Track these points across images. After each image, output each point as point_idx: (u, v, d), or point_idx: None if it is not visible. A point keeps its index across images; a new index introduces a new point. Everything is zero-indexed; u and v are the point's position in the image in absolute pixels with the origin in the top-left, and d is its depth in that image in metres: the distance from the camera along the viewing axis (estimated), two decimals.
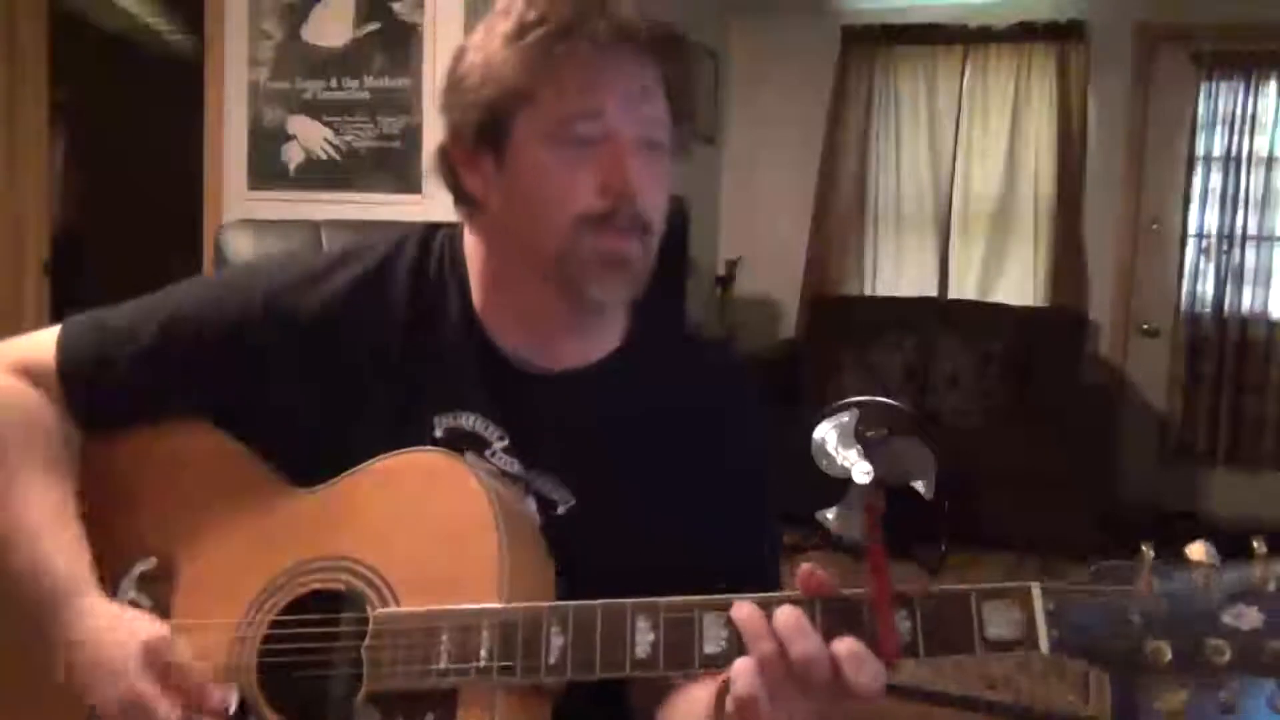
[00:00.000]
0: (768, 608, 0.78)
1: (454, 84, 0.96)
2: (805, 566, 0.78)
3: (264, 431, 0.98)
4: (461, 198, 0.99)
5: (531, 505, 0.97)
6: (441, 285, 1.01)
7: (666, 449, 0.99)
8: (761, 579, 0.98)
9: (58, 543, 0.92)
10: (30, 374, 1.01)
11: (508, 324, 0.99)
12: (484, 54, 0.94)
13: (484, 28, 0.96)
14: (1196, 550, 0.74)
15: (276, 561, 0.91)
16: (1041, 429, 4.24)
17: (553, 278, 0.94)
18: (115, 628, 0.88)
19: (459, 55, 0.97)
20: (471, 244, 1.02)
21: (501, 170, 0.94)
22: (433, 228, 1.06)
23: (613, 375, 1.01)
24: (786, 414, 1.10)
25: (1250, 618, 0.71)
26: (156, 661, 0.85)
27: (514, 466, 0.97)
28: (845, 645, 0.75)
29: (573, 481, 0.97)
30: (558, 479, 0.97)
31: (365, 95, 3.25)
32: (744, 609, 0.78)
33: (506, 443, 0.97)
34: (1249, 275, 4.70)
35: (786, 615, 0.76)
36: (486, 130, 0.93)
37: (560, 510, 0.97)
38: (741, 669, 0.76)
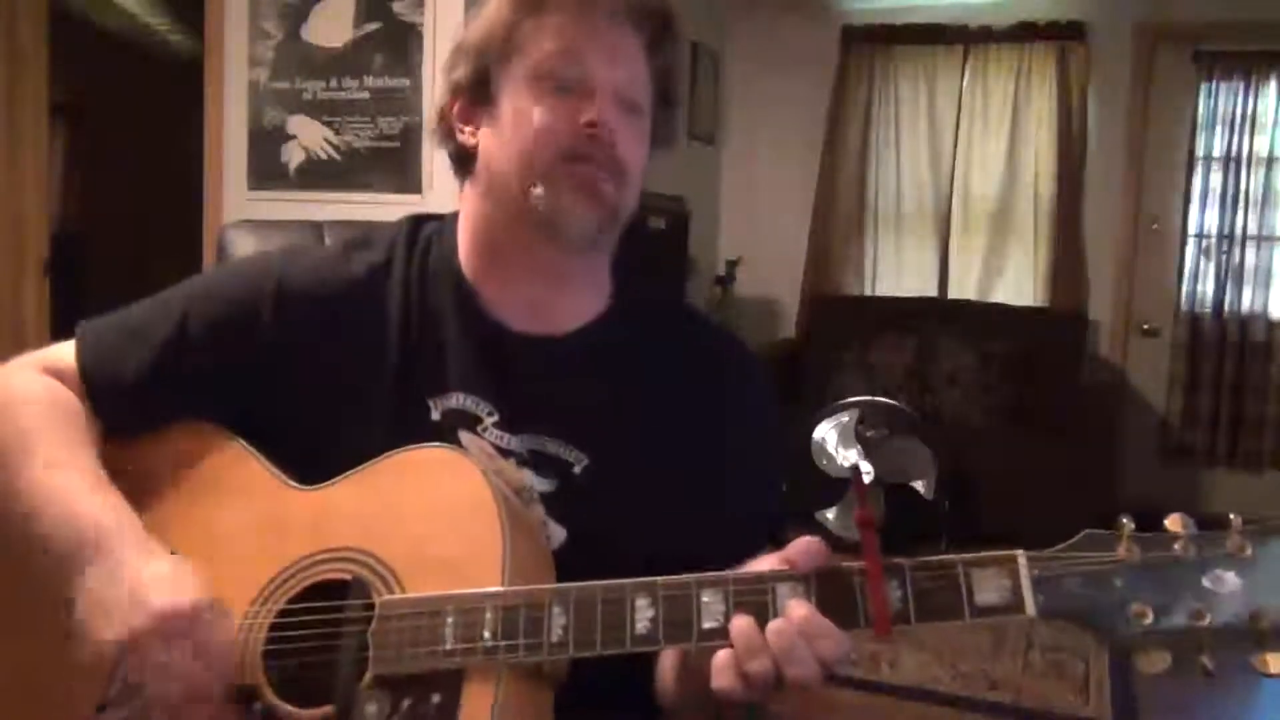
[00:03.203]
0: (763, 582, 0.80)
1: (456, 46, 1.03)
2: (801, 542, 0.81)
3: (273, 426, 1.00)
4: (457, 156, 1.05)
5: (529, 477, 0.99)
6: (432, 269, 1.05)
7: (669, 397, 1.03)
8: (767, 521, 1.04)
9: (95, 497, 0.92)
10: (57, 378, 1.03)
11: (500, 290, 1.03)
12: (482, 15, 1.01)
13: None
14: (1174, 522, 0.78)
15: (283, 555, 0.93)
16: (1041, 429, 4.24)
17: (532, 216, 0.97)
18: (148, 583, 0.86)
19: (465, 24, 1.04)
20: (465, 212, 1.06)
21: (491, 120, 1.00)
22: (419, 219, 1.10)
23: (608, 332, 1.05)
24: (787, 414, 1.11)
25: (1229, 582, 0.75)
26: (183, 629, 0.84)
27: (505, 440, 0.99)
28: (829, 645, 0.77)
29: (583, 441, 1.00)
30: (567, 441, 1.00)
31: (365, 95, 3.25)
32: (741, 623, 0.79)
33: (497, 418, 1.00)
34: (1249, 275, 4.70)
35: (782, 635, 0.78)
36: (479, 82, 1.00)
37: (576, 470, 0.99)
38: (722, 665, 0.79)
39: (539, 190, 0.96)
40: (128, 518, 0.91)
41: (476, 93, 1.01)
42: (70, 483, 0.93)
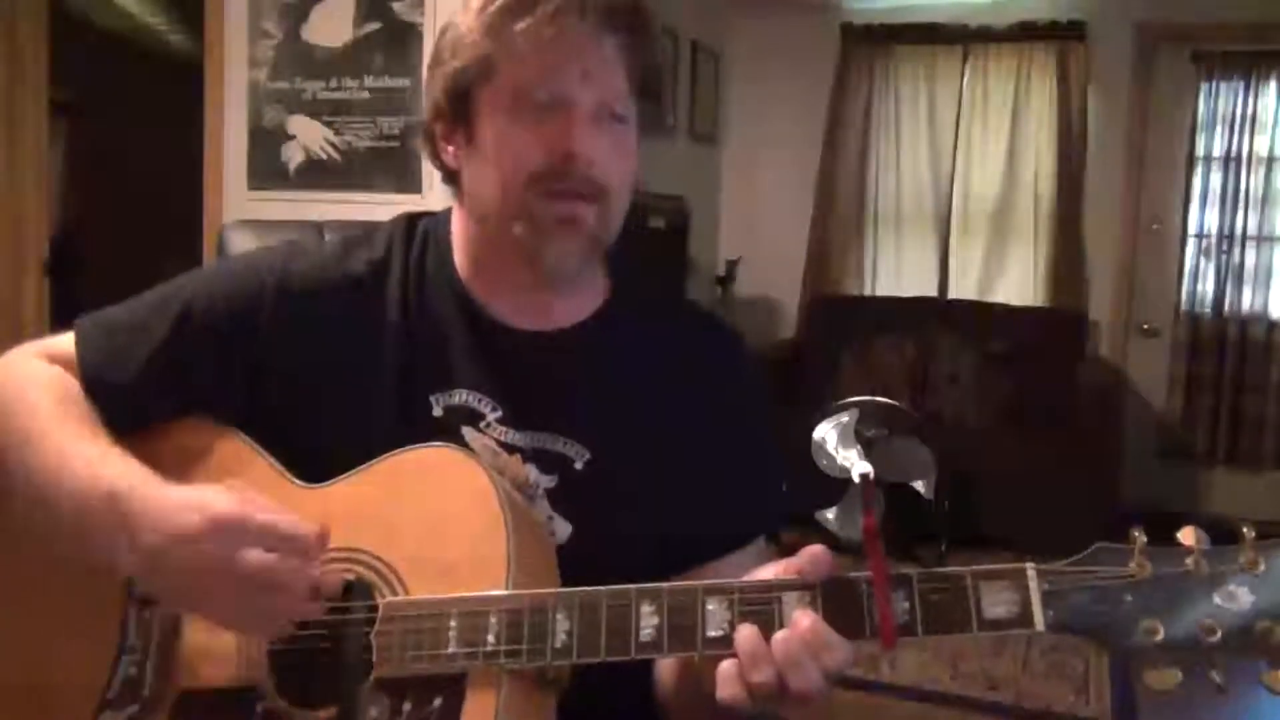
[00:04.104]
0: (769, 591, 0.80)
1: (433, 61, 1.01)
2: (808, 550, 0.80)
3: (274, 422, 0.99)
4: (444, 171, 1.04)
5: (532, 472, 0.98)
6: (428, 267, 1.05)
7: (665, 389, 1.03)
8: (766, 516, 1.05)
9: (111, 457, 0.91)
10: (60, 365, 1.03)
11: (495, 291, 1.03)
12: (457, 30, 0.99)
13: (464, 4, 1.00)
14: (1187, 535, 0.76)
15: None
16: (1041, 429, 4.24)
17: (514, 249, 0.97)
18: (188, 503, 0.85)
19: (441, 34, 1.02)
20: (457, 218, 1.06)
21: (470, 141, 0.99)
22: (415, 216, 1.10)
23: (605, 327, 1.05)
24: (787, 414, 1.11)
25: (1241, 598, 0.74)
26: (246, 524, 0.83)
27: (509, 435, 0.99)
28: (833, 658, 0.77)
29: (583, 436, 1.00)
30: (569, 436, 1.00)
31: (365, 95, 3.25)
32: (745, 633, 0.78)
33: (500, 413, 1.00)
34: (1249, 275, 4.71)
35: (788, 646, 0.77)
36: (457, 102, 0.98)
37: (578, 465, 0.99)
38: (727, 675, 0.78)
39: (519, 229, 0.96)
40: (148, 475, 0.89)
41: (457, 112, 0.99)
42: (92, 452, 0.92)
